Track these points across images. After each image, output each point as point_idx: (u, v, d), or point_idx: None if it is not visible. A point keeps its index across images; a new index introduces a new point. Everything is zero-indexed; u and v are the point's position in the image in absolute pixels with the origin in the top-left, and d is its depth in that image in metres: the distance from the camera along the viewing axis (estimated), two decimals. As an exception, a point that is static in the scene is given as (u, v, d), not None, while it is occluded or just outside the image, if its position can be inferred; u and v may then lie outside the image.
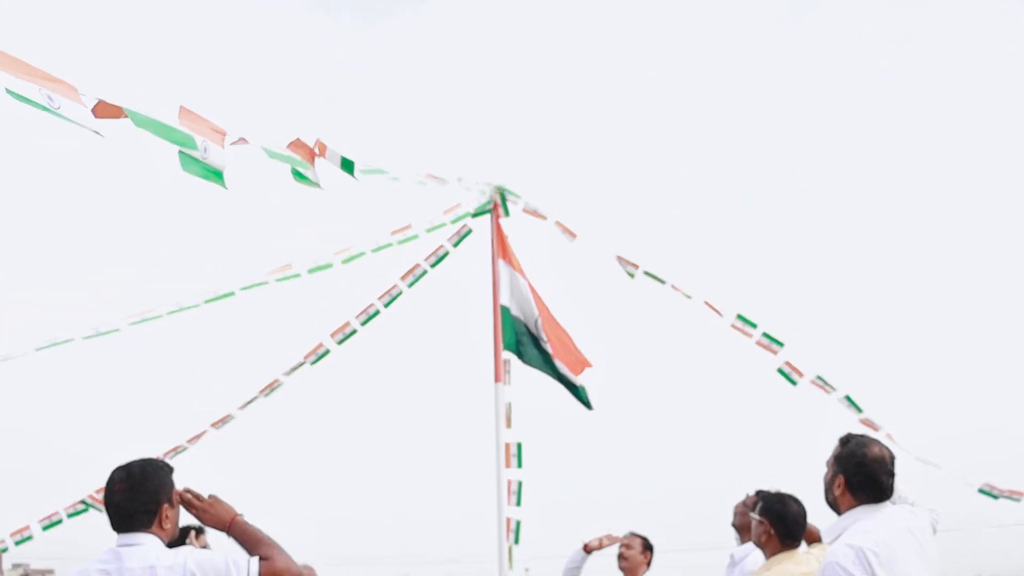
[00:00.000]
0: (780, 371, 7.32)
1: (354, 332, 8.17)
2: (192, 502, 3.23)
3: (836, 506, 3.62)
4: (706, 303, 7.39)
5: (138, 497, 3.12)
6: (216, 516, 3.21)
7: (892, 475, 3.55)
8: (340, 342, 8.15)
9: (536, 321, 7.43)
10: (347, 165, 4.37)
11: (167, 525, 3.17)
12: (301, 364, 8.15)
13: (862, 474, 3.52)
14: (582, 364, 7.41)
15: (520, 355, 7.44)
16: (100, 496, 7.80)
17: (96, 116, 3.13)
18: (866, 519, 3.47)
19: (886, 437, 7.19)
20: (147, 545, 3.06)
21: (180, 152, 3.49)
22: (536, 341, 7.41)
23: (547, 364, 7.42)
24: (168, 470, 3.23)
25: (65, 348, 5.57)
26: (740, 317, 7.32)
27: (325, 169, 4.40)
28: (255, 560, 3.03)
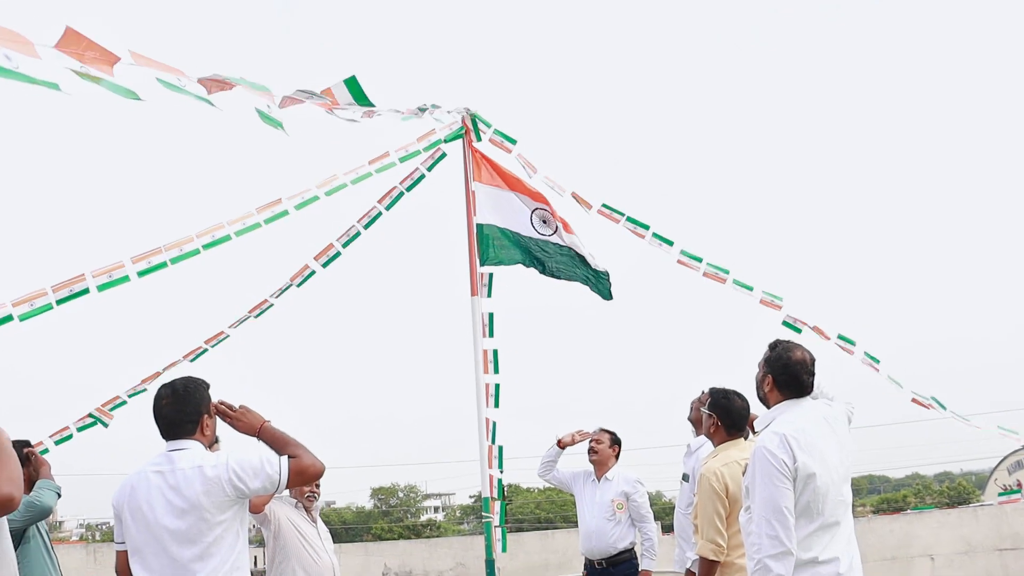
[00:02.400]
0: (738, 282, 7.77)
1: (337, 255, 8.60)
2: (226, 412, 3.82)
3: (766, 401, 4.22)
4: (654, 235, 7.81)
5: (183, 409, 3.70)
6: (247, 423, 3.80)
7: (812, 375, 4.15)
8: (324, 264, 8.58)
9: (536, 215, 7.75)
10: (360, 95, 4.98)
11: (207, 432, 3.75)
12: (288, 286, 8.62)
13: (787, 374, 4.10)
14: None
15: (517, 261, 7.65)
16: (106, 409, 8.37)
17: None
18: (789, 411, 4.05)
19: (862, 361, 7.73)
20: (193, 449, 3.65)
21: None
22: (544, 245, 7.66)
23: (566, 263, 7.69)
24: (206, 386, 3.80)
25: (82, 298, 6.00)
26: (684, 252, 7.78)
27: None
28: (284, 458, 3.62)
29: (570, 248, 7.50)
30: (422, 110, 7.29)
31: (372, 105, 5.80)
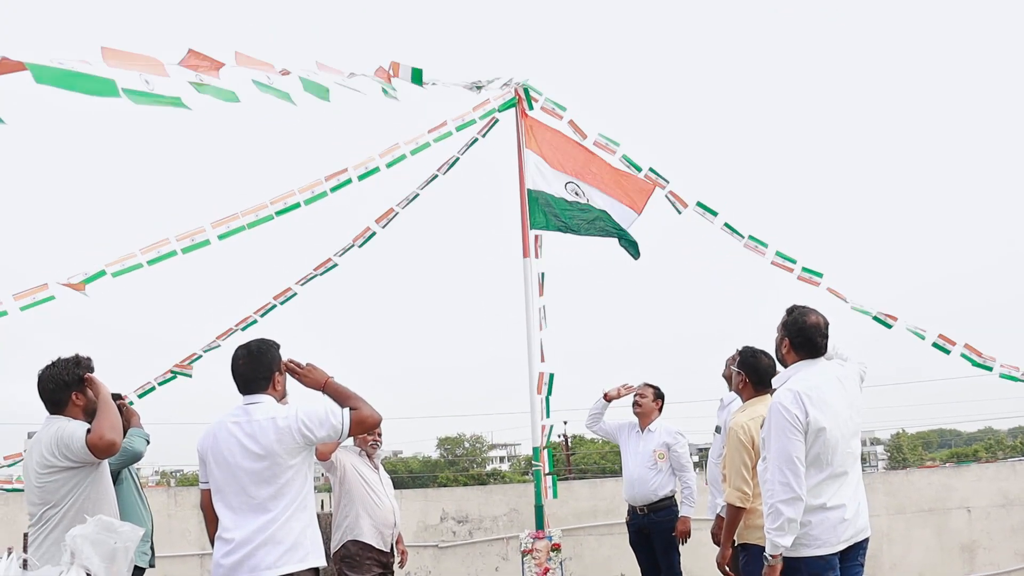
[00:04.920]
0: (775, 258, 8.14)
1: (396, 214, 9.09)
2: (295, 369, 4.29)
3: (783, 362, 4.58)
4: (697, 205, 8.16)
5: (257, 367, 4.17)
6: (314, 379, 4.27)
7: (826, 337, 4.49)
8: (384, 226, 9.07)
9: (573, 186, 8.13)
10: (416, 76, 5.49)
11: (279, 387, 4.22)
12: (350, 247, 9.11)
13: (802, 336, 4.45)
14: (646, 193, 7.98)
15: (563, 228, 8.04)
16: (187, 363, 8.96)
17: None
18: (804, 370, 4.40)
19: (879, 315, 8.07)
20: (266, 403, 4.13)
21: (124, 89, 4.41)
22: (581, 207, 8.03)
23: (593, 224, 8.09)
24: (276, 346, 4.26)
25: (169, 259, 6.56)
26: (727, 225, 8.15)
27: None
28: (346, 410, 4.08)
29: (604, 212, 7.88)
30: (478, 87, 7.67)
31: (422, 85, 6.22)
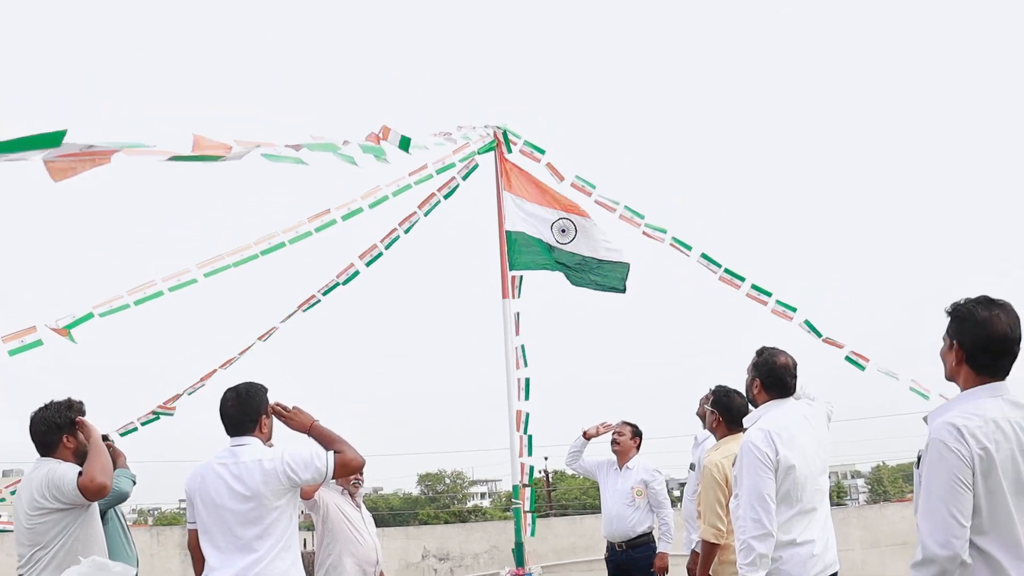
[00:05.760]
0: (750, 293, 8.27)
1: (380, 255, 9.20)
2: (281, 412, 4.41)
3: (754, 401, 4.73)
4: (672, 243, 8.33)
5: (244, 410, 4.28)
6: (299, 422, 4.39)
7: (795, 377, 4.65)
8: (368, 263, 9.19)
9: (556, 226, 8.27)
10: (404, 143, 5.68)
11: (265, 430, 4.34)
12: (335, 284, 9.22)
13: (772, 376, 4.60)
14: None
15: (545, 266, 8.16)
16: (169, 403, 9.02)
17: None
18: (774, 410, 4.55)
19: (851, 354, 8.20)
20: (253, 445, 4.24)
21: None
22: (561, 255, 8.11)
23: (579, 270, 8.23)
24: (264, 390, 4.38)
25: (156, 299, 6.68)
26: (704, 256, 8.29)
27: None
28: (331, 453, 4.21)
29: (584, 256, 8.03)
30: (454, 138, 7.86)
31: (409, 152, 6.43)
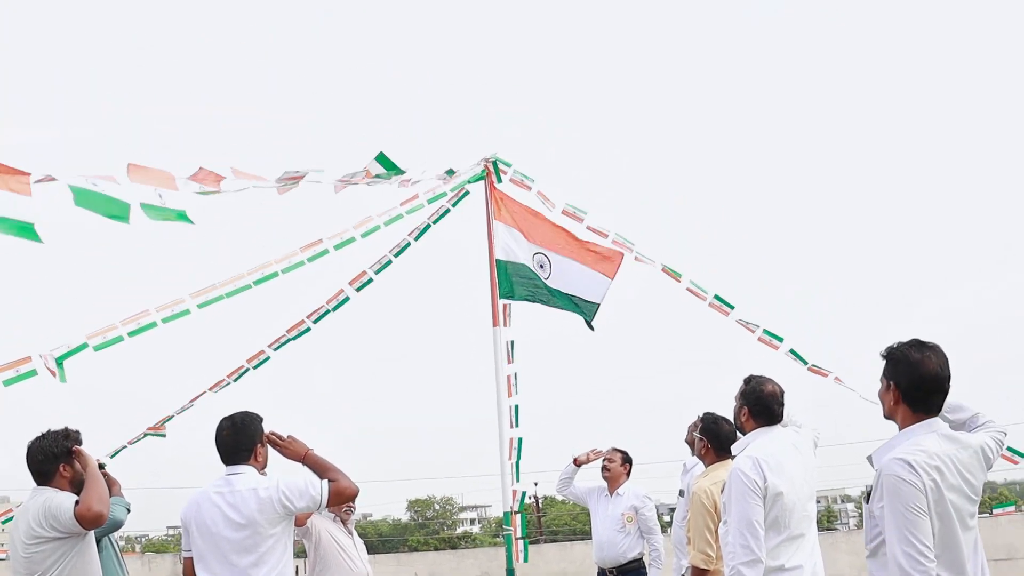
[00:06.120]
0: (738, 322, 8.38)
1: (370, 281, 9.26)
2: (276, 441, 4.47)
3: (742, 429, 4.81)
4: (663, 269, 8.44)
5: (240, 439, 4.35)
6: (294, 451, 4.45)
7: (782, 405, 4.73)
8: (358, 289, 9.24)
9: (538, 258, 8.38)
10: (387, 164, 5.91)
11: (260, 459, 4.40)
12: (326, 312, 9.27)
13: (760, 405, 4.68)
14: (615, 260, 8.17)
15: (528, 297, 8.22)
16: (159, 425, 9.04)
17: None
18: (762, 437, 4.62)
19: (834, 381, 8.29)
20: (248, 473, 4.30)
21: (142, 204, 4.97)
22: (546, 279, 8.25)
23: (558, 295, 8.22)
24: (259, 419, 4.44)
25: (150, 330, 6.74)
26: (693, 283, 8.40)
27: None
28: (325, 482, 4.27)
29: (559, 291, 8.15)
30: (449, 173, 7.97)
31: (403, 172, 6.56)
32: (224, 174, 5.50)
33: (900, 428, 3.51)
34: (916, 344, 3.52)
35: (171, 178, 5.11)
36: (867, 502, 3.41)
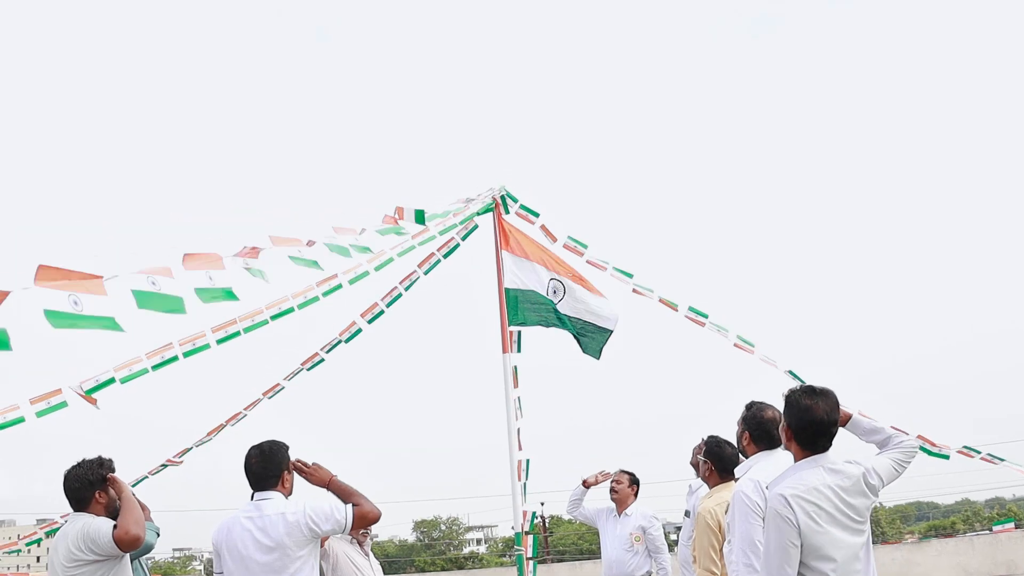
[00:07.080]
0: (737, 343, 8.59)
1: (381, 312, 9.51)
2: (302, 468, 4.72)
3: (744, 452, 5.04)
4: (661, 300, 8.66)
5: (268, 467, 4.60)
6: (319, 477, 4.70)
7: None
8: (370, 321, 9.48)
9: (553, 284, 8.62)
10: (420, 217, 6.20)
11: (287, 485, 4.65)
12: (337, 342, 9.50)
13: (761, 429, 4.90)
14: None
15: (541, 323, 8.41)
16: (177, 457, 9.29)
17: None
18: (763, 461, 4.81)
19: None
20: (276, 499, 4.54)
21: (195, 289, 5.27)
22: (555, 305, 8.43)
23: (566, 320, 8.40)
24: (286, 447, 4.69)
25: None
26: (692, 309, 8.62)
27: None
28: (350, 506, 4.52)
29: (568, 316, 8.38)
30: (462, 220, 8.28)
31: (425, 224, 6.91)
32: (262, 245, 5.87)
33: (794, 461, 4.11)
34: (808, 391, 4.11)
35: (219, 259, 5.44)
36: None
